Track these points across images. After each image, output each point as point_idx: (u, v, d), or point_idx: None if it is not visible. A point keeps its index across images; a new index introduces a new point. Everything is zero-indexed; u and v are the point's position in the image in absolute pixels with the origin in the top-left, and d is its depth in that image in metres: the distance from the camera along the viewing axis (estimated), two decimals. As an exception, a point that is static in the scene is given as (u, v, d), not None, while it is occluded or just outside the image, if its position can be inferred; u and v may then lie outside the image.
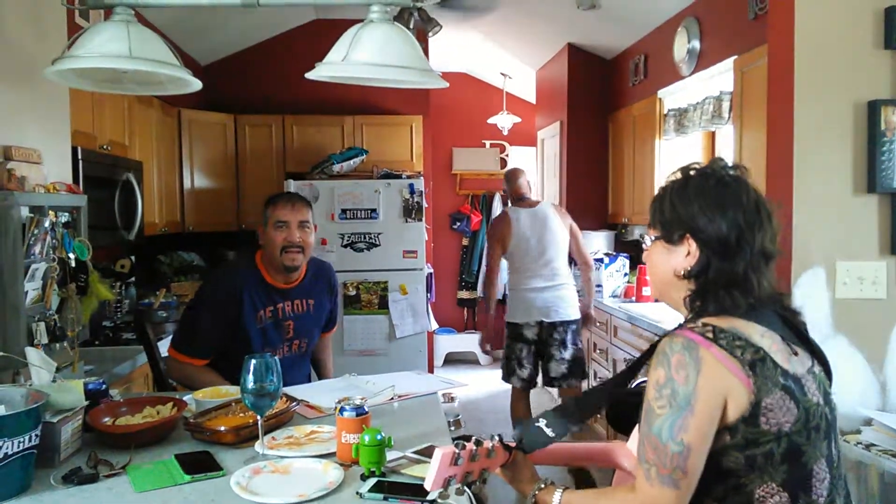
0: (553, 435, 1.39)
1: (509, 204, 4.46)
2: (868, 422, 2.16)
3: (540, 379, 4.19)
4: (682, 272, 1.32)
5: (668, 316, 3.65)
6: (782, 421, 1.20)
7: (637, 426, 1.32)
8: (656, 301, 4.21)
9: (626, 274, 4.76)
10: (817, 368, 1.31)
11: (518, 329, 4.11)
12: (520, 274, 4.14)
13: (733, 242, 1.27)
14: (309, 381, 2.71)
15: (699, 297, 1.31)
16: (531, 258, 4.10)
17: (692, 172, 1.36)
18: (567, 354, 4.06)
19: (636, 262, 4.75)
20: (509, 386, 4.24)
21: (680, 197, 1.33)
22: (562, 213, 4.26)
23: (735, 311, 1.27)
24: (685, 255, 1.32)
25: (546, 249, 4.08)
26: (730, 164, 1.37)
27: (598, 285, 4.66)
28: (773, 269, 1.33)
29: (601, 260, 4.75)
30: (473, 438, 1.31)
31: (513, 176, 4.39)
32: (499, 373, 4.44)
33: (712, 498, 1.25)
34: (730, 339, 1.22)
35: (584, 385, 4.38)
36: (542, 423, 1.40)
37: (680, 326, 1.30)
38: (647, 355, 1.40)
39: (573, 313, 4.09)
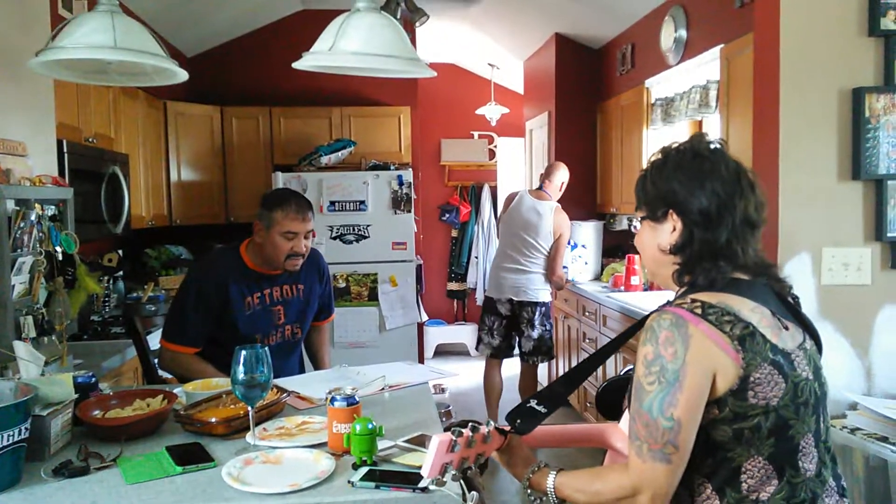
0: (545, 411, 1.40)
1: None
2: (853, 406, 2.19)
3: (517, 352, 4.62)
4: (668, 247, 1.34)
5: (656, 305, 3.67)
6: (770, 395, 1.22)
7: (628, 408, 1.33)
8: (645, 290, 4.30)
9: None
10: (808, 344, 1.32)
11: (492, 303, 4.51)
12: (501, 251, 4.55)
13: (714, 213, 1.29)
14: (301, 367, 2.71)
15: (687, 271, 1.33)
16: (513, 239, 4.46)
17: (671, 150, 1.37)
18: (535, 333, 4.46)
19: (625, 251, 4.77)
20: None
21: (660, 175, 1.35)
22: (559, 219, 4.48)
23: (722, 283, 1.28)
24: (670, 230, 1.33)
25: (526, 238, 4.43)
26: (709, 138, 1.38)
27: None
28: (759, 237, 1.35)
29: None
30: (469, 425, 1.32)
31: (546, 168, 4.74)
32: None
33: (700, 474, 1.27)
34: (718, 315, 1.23)
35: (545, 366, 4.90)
36: (532, 402, 1.42)
37: (668, 303, 1.31)
38: (633, 331, 1.42)
39: (540, 297, 4.44)
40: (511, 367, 4.79)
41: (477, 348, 4.68)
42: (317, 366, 2.79)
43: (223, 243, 5.00)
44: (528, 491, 1.38)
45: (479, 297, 7.26)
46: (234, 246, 2.52)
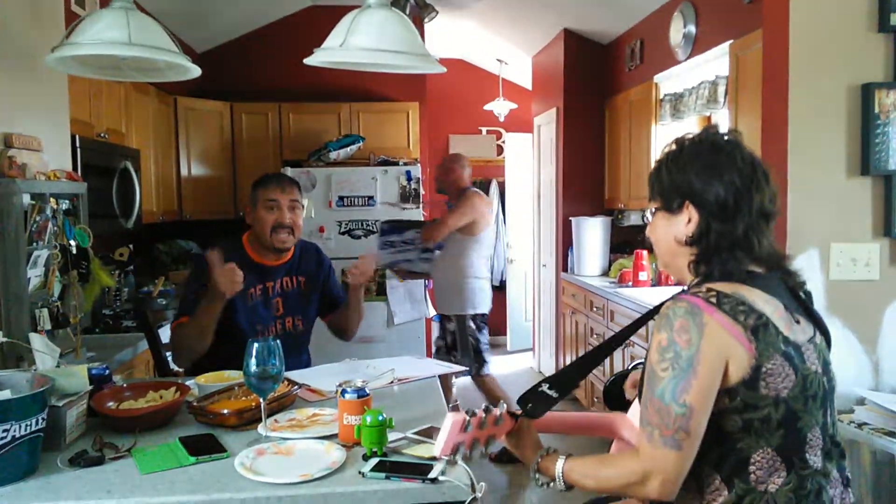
0: (557, 395, 1.41)
1: (436, 188, 4.50)
2: (861, 401, 2.20)
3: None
4: (685, 239, 1.34)
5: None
6: (780, 386, 1.23)
7: (637, 398, 1.34)
8: (653, 286, 4.30)
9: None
10: (818, 338, 1.33)
11: (485, 318, 4.25)
12: (480, 263, 4.22)
13: (731, 204, 1.29)
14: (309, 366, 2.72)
15: (703, 262, 1.33)
16: (491, 247, 4.30)
17: (686, 141, 1.37)
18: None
19: (633, 247, 4.78)
20: (508, 371, 4.42)
21: (676, 165, 1.35)
22: None
23: (739, 274, 1.29)
24: (686, 222, 1.33)
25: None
26: (723, 129, 1.38)
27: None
28: (772, 228, 1.35)
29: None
30: (483, 406, 1.34)
31: (466, 162, 4.37)
32: (497, 358, 4.66)
33: (710, 465, 1.28)
34: (733, 304, 1.24)
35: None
36: (544, 387, 1.43)
37: (684, 291, 1.32)
38: (645, 319, 1.43)
39: None
40: (504, 366, 4.74)
41: (480, 370, 4.25)
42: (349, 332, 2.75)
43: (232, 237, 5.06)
44: (537, 475, 1.39)
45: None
46: (236, 238, 2.55)
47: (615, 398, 1.69)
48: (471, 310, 4.17)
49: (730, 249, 1.30)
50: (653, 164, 1.42)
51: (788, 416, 1.24)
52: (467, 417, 1.30)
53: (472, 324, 4.19)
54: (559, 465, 1.35)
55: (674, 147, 1.38)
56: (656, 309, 1.34)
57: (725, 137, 1.35)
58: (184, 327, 2.38)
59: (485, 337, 4.24)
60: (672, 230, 1.36)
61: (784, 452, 1.25)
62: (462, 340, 4.19)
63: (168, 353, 2.86)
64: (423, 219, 4.86)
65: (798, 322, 1.29)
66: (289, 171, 4.74)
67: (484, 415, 1.33)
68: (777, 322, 1.25)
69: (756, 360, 1.22)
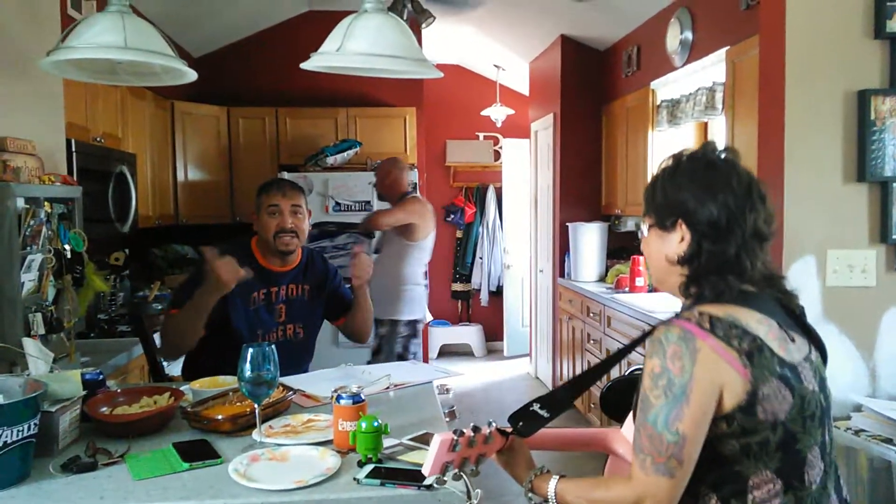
0: (548, 416, 1.40)
1: (376, 194, 4.37)
2: (858, 408, 2.20)
3: None
4: (676, 258, 1.32)
5: (661, 306, 3.68)
6: (778, 410, 1.21)
7: (631, 413, 1.33)
8: (650, 291, 4.30)
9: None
10: (814, 355, 1.31)
11: (418, 325, 4.13)
12: (419, 270, 4.13)
13: (724, 225, 1.27)
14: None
15: (694, 283, 1.31)
16: (429, 255, 4.17)
17: (683, 158, 1.36)
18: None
19: (630, 253, 4.77)
20: (505, 377, 4.26)
21: (671, 183, 1.33)
22: None
23: (730, 296, 1.27)
24: (678, 240, 1.32)
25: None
26: (720, 147, 1.36)
27: None
28: (767, 250, 1.33)
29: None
30: (471, 425, 1.33)
31: (404, 165, 4.26)
32: (494, 364, 4.50)
33: (707, 485, 1.25)
34: (726, 329, 1.22)
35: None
36: (535, 406, 1.41)
37: (676, 315, 1.30)
38: (638, 341, 1.42)
39: None
40: (501, 371, 4.70)
41: None
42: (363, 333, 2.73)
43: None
44: (529, 495, 1.38)
45: (484, 299, 7.27)
46: (244, 240, 2.54)
47: (612, 405, 1.68)
48: (407, 315, 4.06)
49: (720, 271, 1.28)
50: (649, 179, 1.40)
51: (787, 439, 1.22)
52: (455, 437, 1.28)
53: (403, 329, 4.07)
54: (552, 485, 1.33)
55: (670, 163, 1.36)
56: (650, 331, 1.32)
57: (722, 156, 1.33)
58: (175, 317, 2.35)
59: (414, 346, 4.08)
60: (664, 248, 1.35)
61: (783, 474, 1.23)
62: (389, 345, 4.06)
63: (162, 359, 2.85)
64: (353, 221, 4.60)
65: (793, 340, 1.28)
66: (285, 176, 4.73)
67: (473, 433, 1.31)
68: (771, 343, 1.23)
69: (751, 385, 1.20)
